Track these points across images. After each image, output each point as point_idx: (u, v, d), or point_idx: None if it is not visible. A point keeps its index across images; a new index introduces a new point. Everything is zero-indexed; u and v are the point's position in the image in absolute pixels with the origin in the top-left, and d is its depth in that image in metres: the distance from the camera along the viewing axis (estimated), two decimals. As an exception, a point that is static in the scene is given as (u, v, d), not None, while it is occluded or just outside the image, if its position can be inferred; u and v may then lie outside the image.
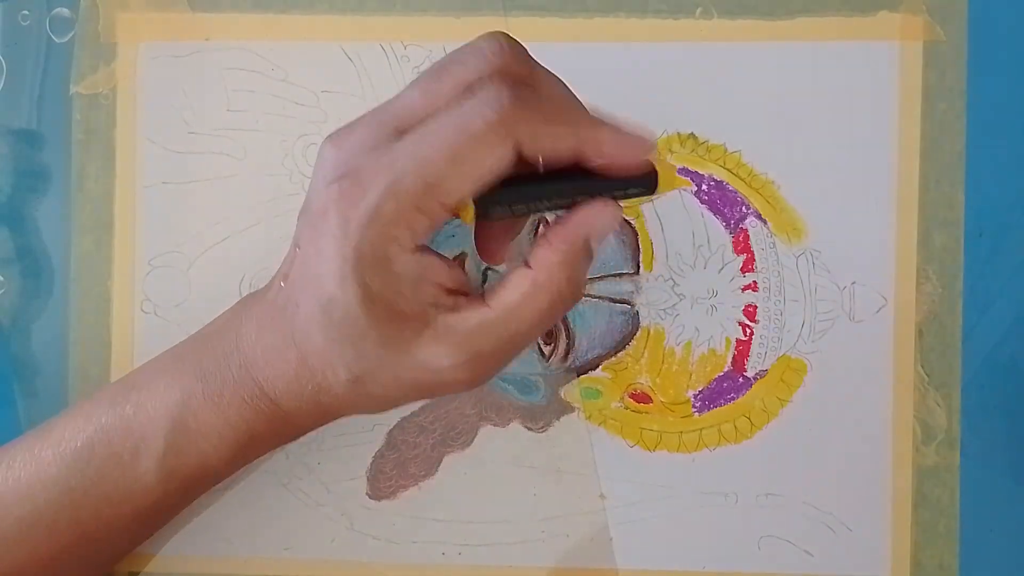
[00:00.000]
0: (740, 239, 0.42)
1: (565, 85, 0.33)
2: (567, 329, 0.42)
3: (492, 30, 0.32)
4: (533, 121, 0.30)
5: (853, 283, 0.42)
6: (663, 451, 0.42)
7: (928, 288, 0.42)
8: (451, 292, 0.32)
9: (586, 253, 0.32)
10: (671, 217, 0.42)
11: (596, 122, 0.31)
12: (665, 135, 0.42)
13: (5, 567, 0.34)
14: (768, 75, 0.42)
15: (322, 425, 0.36)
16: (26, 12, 0.44)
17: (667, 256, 0.42)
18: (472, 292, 0.33)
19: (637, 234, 0.42)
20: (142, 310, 0.43)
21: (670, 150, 0.42)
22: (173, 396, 0.34)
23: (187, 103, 0.43)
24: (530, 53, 0.32)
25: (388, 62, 0.43)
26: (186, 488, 0.36)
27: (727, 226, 0.42)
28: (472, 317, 0.31)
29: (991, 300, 0.42)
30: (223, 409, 0.34)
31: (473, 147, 0.29)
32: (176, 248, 0.43)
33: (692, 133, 0.42)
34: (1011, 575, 0.42)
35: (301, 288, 0.32)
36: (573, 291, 0.32)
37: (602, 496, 0.42)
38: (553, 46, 0.42)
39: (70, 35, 0.44)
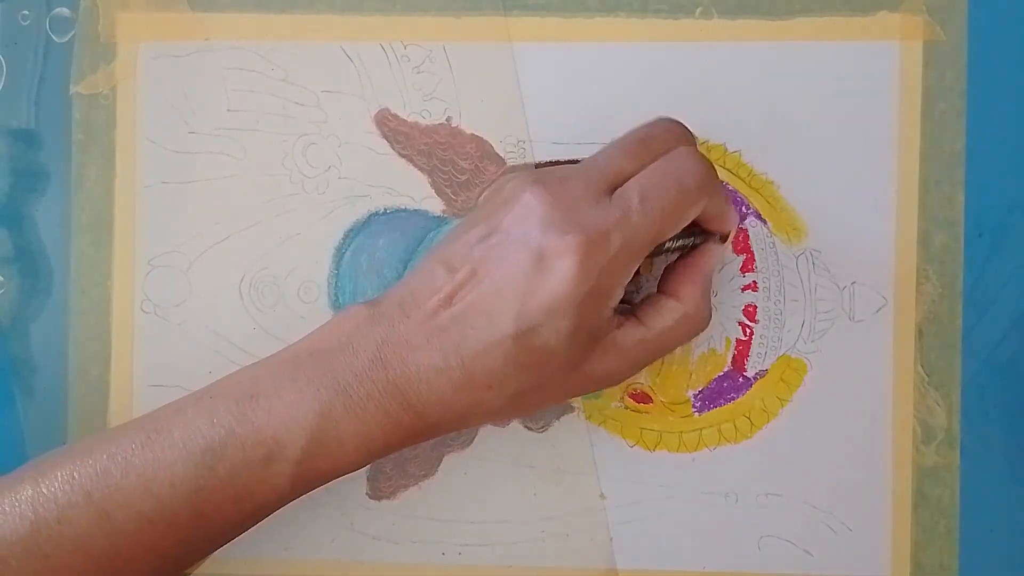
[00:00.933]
0: (740, 239, 0.42)
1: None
2: None
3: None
4: (716, 188, 0.37)
5: (853, 283, 0.42)
6: (663, 451, 0.42)
7: (928, 288, 0.42)
8: (620, 314, 0.37)
9: (710, 286, 0.39)
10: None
11: (728, 198, 0.39)
12: (665, 135, 0.42)
13: (122, 561, 0.35)
14: (768, 75, 0.42)
15: (459, 430, 0.41)
16: (26, 12, 0.44)
17: (667, 256, 0.42)
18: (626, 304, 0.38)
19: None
20: (142, 310, 0.43)
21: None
22: (311, 407, 0.35)
23: (187, 103, 0.43)
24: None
25: (388, 62, 0.43)
26: (312, 487, 0.37)
27: (727, 226, 0.42)
28: (635, 334, 0.37)
29: (991, 300, 0.42)
30: (365, 422, 0.35)
31: (687, 206, 0.36)
32: (176, 248, 0.43)
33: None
34: (1011, 575, 0.42)
35: (482, 312, 0.35)
36: (708, 317, 0.38)
37: (602, 496, 0.42)
38: (553, 46, 0.42)
39: (70, 35, 0.44)
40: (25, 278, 0.44)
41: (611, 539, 0.42)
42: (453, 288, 0.35)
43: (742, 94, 0.42)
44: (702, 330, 0.38)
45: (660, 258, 0.41)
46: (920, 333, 0.42)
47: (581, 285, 0.34)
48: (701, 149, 0.42)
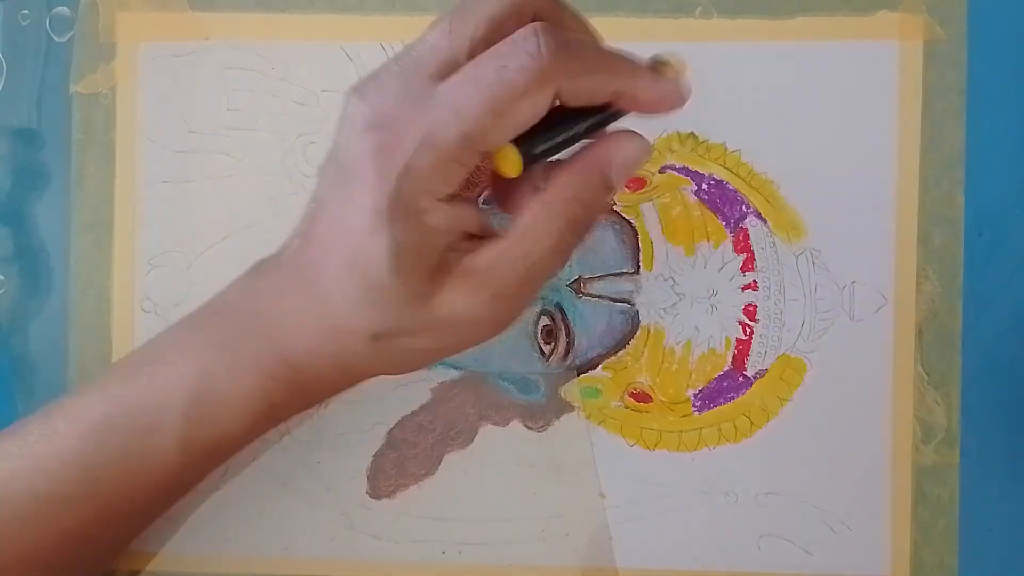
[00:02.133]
0: (740, 238, 0.42)
1: (591, 26, 0.32)
2: (567, 328, 0.42)
3: None
4: (573, 70, 0.29)
5: (853, 282, 0.42)
6: (663, 450, 0.42)
7: (928, 287, 0.42)
8: (473, 237, 0.31)
9: (604, 183, 0.31)
10: (671, 216, 0.42)
11: (634, 70, 0.31)
12: (665, 134, 0.42)
13: (24, 543, 0.34)
14: (768, 74, 0.42)
15: (343, 390, 0.35)
16: (26, 11, 0.44)
17: (667, 255, 0.42)
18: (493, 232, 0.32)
19: (637, 233, 0.42)
20: (142, 309, 0.43)
21: (670, 149, 0.42)
22: (190, 368, 0.34)
23: (187, 102, 0.43)
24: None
25: (388, 61, 0.43)
26: (205, 460, 0.35)
27: (727, 225, 0.42)
28: (488, 252, 0.31)
29: (991, 299, 0.42)
30: (241, 380, 0.33)
31: (514, 98, 0.29)
32: (176, 247, 0.43)
33: (692, 132, 0.42)
34: (1011, 574, 0.42)
35: (324, 245, 0.31)
36: (587, 214, 0.31)
37: (602, 495, 0.42)
38: (553, 45, 0.42)
39: (70, 34, 0.44)
40: (25, 277, 0.44)
41: (611, 538, 0.42)
42: (305, 223, 0.33)
43: (742, 93, 0.42)
44: (581, 227, 0.31)
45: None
46: (920, 332, 0.42)
47: (379, 192, 0.29)
48: (700, 148, 0.42)
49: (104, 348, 0.43)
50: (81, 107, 0.43)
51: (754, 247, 0.42)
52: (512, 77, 0.28)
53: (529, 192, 0.31)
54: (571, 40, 0.30)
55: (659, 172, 0.42)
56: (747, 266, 0.42)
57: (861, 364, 0.42)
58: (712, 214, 0.42)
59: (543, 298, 0.42)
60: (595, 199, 0.31)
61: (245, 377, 0.33)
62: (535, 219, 0.31)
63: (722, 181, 0.42)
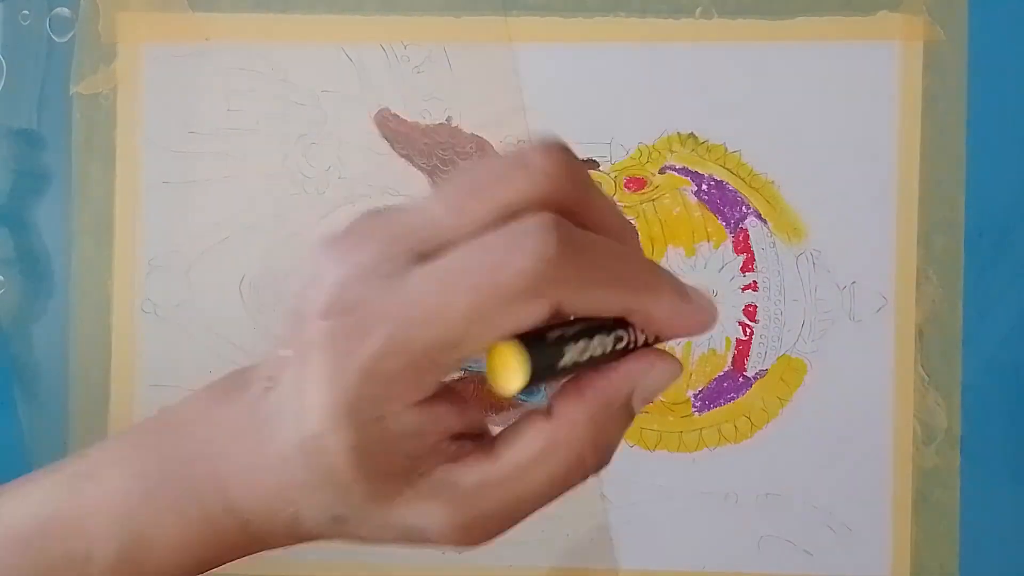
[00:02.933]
0: (740, 239, 0.42)
1: (621, 215, 0.28)
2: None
3: (548, 137, 0.26)
4: (579, 281, 0.25)
5: (853, 283, 0.42)
6: (663, 451, 0.42)
7: (928, 288, 0.42)
8: (457, 437, 0.27)
9: (625, 413, 0.27)
10: (671, 217, 0.42)
11: (654, 286, 0.26)
12: (665, 135, 0.42)
13: None
14: (768, 75, 0.42)
15: (296, 544, 0.31)
16: (26, 12, 0.44)
17: (667, 256, 0.42)
18: (486, 432, 0.28)
19: (637, 234, 0.42)
20: (142, 310, 0.43)
21: (671, 150, 0.42)
22: (130, 497, 0.29)
23: (187, 103, 0.43)
24: (587, 172, 0.26)
25: (388, 62, 0.43)
26: None
27: (727, 226, 0.42)
28: (473, 473, 0.26)
29: (991, 301, 0.42)
30: (184, 522, 0.29)
31: (501, 304, 0.24)
32: (176, 248, 0.43)
33: (692, 133, 0.42)
34: (1011, 574, 0.42)
35: (285, 408, 0.27)
36: (599, 458, 0.27)
37: (602, 496, 0.42)
38: (553, 46, 0.42)
39: (70, 35, 0.44)
40: (26, 279, 0.44)
41: (611, 539, 0.42)
42: (273, 367, 0.28)
43: (742, 94, 0.42)
44: (587, 472, 0.27)
45: None
46: (920, 333, 0.42)
47: (336, 389, 0.25)
48: (700, 149, 0.42)
49: (105, 349, 0.43)
50: (82, 108, 0.43)
51: (754, 248, 0.42)
52: (505, 281, 0.24)
53: (533, 411, 0.27)
54: (586, 243, 0.25)
55: (659, 173, 0.42)
56: (747, 267, 0.42)
57: (862, 365, 0.42)
58: (712, 215, 0.42)
59: None
60: (610, 436, 0.27)
61: (188, 520, 0.29)
62: (535, 456, 0.26)
63: (722, 182, 0.42)
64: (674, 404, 0.42)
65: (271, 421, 0.27)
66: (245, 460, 0.28)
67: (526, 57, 0.43)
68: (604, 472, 0.40)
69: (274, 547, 0.31)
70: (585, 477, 0.27)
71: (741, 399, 0.42)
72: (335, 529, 0.28)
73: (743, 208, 0.42)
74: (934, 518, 0.42)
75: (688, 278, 0.42)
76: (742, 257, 0.42)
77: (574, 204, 0.26)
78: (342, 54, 0.43)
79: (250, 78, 0.43)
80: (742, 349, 0.42)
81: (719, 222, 0.42)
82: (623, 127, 0.42)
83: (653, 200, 0.42)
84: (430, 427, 0.26)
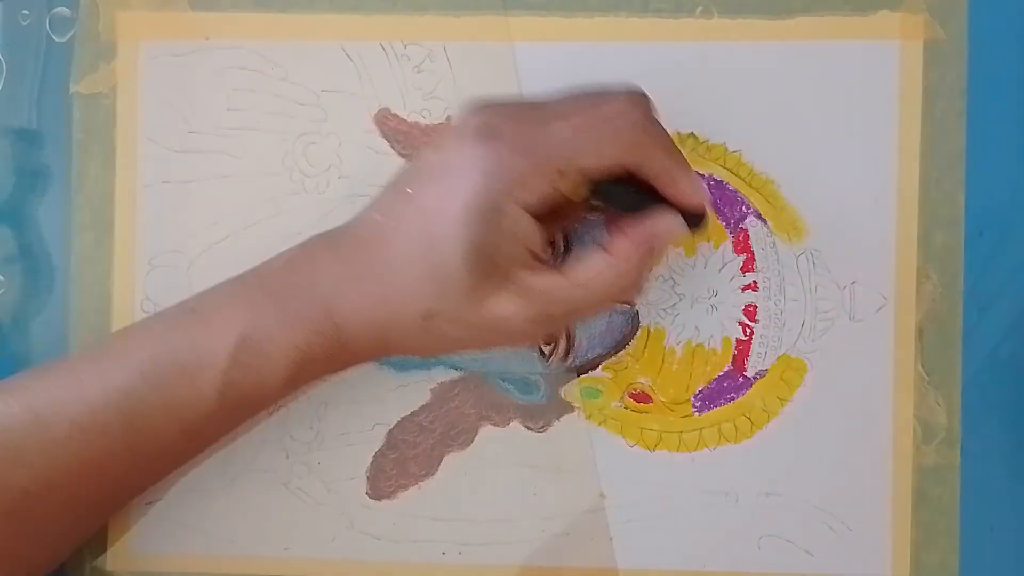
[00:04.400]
0: (740, 239, 0.42)
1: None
2: (567, 329, 0.42)
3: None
4: (655, 141, 0.35)
5: (853, 282, 0.42)
6: (663, 451, 0.42)
7: (928, 287, 0.42)
8: (535, 256, 0.35)
9: (653, 254, 0.37)
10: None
11: (686, 165, 0.36)
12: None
13: (56, 471, 0.35)
14: (768, 74, 0.42)
15: (377, 358, 0.40)
16: (26, 11, 0.44)
17: (667, 256, 0.42)
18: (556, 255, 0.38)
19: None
20: (142, 309, 0.43)
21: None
22: (242, 316, 0.36)
23: (187, 102, 0.43)
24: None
25: (388, 61, 0.43)
26: (240, 406, 0.37)
27: (727, 226, 0.42)
28: (547, 279, 0.35)
29: (991, 299, 0.42)
30: (288, 330, 0.36)
31: (612, 141, 0.35)
32: (176, 247, 0.43)
33: (692, 133, 0.42)
34: (1011, 574, 0.42)
35: (406, 226, 0.35)
36: (637, 282, 0.37)
37: (602, 495, 0.42)
38: (553, 45, 0.43)
39: (70, 34, 0.44)
40: (26, 277, 0.44)
41: (611, 538, 0.42)
42: (385, 202, 0.37)
43: (742, 93, 0.42)
44: (630, 292, 0.37)
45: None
46: (920, 332, 0.42)
47: (478, 190, 0.34)
48: (700, 149, 0.42)
49: (104, 348, 0.43)
50: (81, 107, 0.43)
51: (754, 247, 0.42)
52: (617, 123, 0.35)
53: (593, 245, 0.36)
54: (660, 123, 0.36)
55: (659, 172, 0.42)
56: (747, 266, 0.42)
57: (861, 364, 0.42)
58: (712, 214, 0.42)
59: None
60: (646, 266, 0.37)
61: (294, 331, 0.36)
62: (597, 274, 0.35)
63: (722, 181, 0.42)
64: (674, 404, 0.42)
65: (385, 239, 0.35)
66: (349, 273, 0.36)
67: (526, 56, 0.43)
68: (603, 471, 0.41)
69: (360, 359, 0.38)
70: (628, 297, 0.38)
71: (741, 399, 0.42)
72: (423, 329, 0.36)
73: (743, 208, 0.42)
74: (934, 517, 0.42)
75: (688, 278, 0.42)
76: (742, 257, 0.42)
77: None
78: (342, 53, 0.43)
79: (250, 77, 0.43)
80: (742, 349, 0.42)
81: (719, 222, 0.42)
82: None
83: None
84: (527, 235, 0.35)
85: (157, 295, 0.43)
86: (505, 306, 0.35)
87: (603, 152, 0.34)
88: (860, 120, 0.42)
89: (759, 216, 0.42)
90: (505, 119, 0.35)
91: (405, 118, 0.43)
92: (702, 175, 0.42)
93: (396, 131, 0.43)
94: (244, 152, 0.43)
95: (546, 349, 0.43)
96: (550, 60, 0.43)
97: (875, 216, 0.42)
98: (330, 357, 0.37)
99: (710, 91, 0.42)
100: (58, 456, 0.35)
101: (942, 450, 0.42)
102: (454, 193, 0.34)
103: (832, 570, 0.42)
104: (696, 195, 0.37)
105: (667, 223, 0.36)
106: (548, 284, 0.35)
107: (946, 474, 0.42)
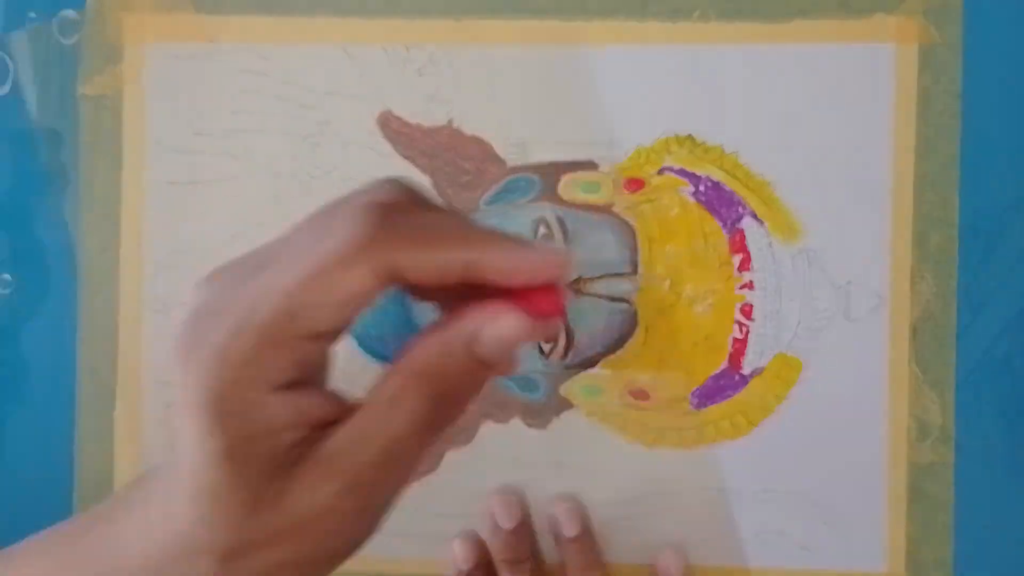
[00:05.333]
0: (737, 239, 0.42)
1: (461, 216, 0.29)
2: (566, 327, 0.43)
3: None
4: (403, 242, 0.26)
5: (849, 282, 0.42)
6: (662, 448, 0.43)
7: (923, 287, 0.42)
8: (326, 426, 0.27)
9: (470, 361, 0.28)
10: (669, 217, 0.43)
11: (486, 240, 0.27)
12: (663, 136, 0.42)
13: None
14: (765, 77, 0.42)
15: None
16: (33, 14, 0.44)
17: (665, 256, 0.42)
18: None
19: (635, 234, 0.43)
20: (150, 309, 0.43)
21: (668, 151, 0.42)
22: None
23: (193, 104, 0.44)
24: (424, 195, 0.29)
25: (391, 64, 0.43)
26: None
27: (724, 226, 0.42)
28: (340, 434, 0.27)
29: (985, 299, 0.42)
30: None
31: (329, 271, 0.26)
32: (183, 248, 0.43)
33: (690, 134, 0.42)
34: (1006, 570, 0.42)
35: (173, 457, 0.28)
36: (454, 389, 0.28)
37: (602, 493, 0.43)
38: (552, 48, 0.43)
39: (77, 37, 0.44)
40: (34, 278, 0.44)
41: (612, 535, 0.43)
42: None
43: (739, 96, 0.42)
44: (440, 418, 0.28)
45: None
46: (915, 331, 0.42)
47: (197, 387, 0.26)
48: (698, 150, 0.42)
49: (111, 349, 0.43)
50: (88, 109, 0.44)
51: (751, 247, 0.42)
52: (331, 247, 0.26)
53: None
54: (405, 218, 0.27)
55: (657, 174, 0.42)
56: (744, 266, 0.42)
57: (857, 363, 0.42)
58: (709, 215, 0.42)
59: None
60: (461, 372, 0.27)
61: None
62: (389, 391, 0.27)
63: (719, 182, 0.42)
64: (673, 402, 0.43)
65: (165, 477, 0.28)
66: (138, 530, 0.28)
67: (527, 59, 0.43)
68: (604, 469, 0.41)
69: None
70: (455, 412, 0.28)
71: (738, 396, 0.42)
72: (229, 573, 0.27)
73: (740, 208, 0.42)
74: (929, 513, 0.42)
75: (685, 277, 0.42)
76: (739, 257, 0.42)
77: (398, 206, 0.27)
78: (345, 56, 0.43)
79: (255, 79, 0.44)
80: (739, 347, 0.42)
81: (716, 222, 0.42)
82: (621, 129, 0.42)
83: (651, 201, 0.43)
84: (297, 415, 0.26)
85: (164, 296, 0.43)
86: (302, 497, 0.26)
87: (326, 297, 0.26)
88: (856, 122, 0.42)
89: (755, 217, 0.42)
90: (225, 284, 0.27)
91: (407, 121, 0.43)
92: (698, 176, 0.43)
93: (399, 133, 0.43)
94: (249, 154, 0.43)
95: (545, 347, 0.43)
96: (550, 63, 0.43)
97: (870, 216, 0.42)
98: None
99: (707, 93, 0.42)
100: None
101: (937, 447, 0.42)
102: (181, 404, 0.26)
103: (828, 566, 0.42)
104: (526, 268, 0.27)
105: (489, 314, 0.27)
106: (342, 441, 0.27)
107: (940, 471, 0.42)
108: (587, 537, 0.42)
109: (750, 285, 0.42)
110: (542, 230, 0.42)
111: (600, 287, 0.43)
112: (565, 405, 0.43)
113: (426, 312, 0.42)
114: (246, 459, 0.26)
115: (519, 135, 0.43)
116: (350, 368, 0.41)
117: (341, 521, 0.27)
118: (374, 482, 0.27)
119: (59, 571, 0.29)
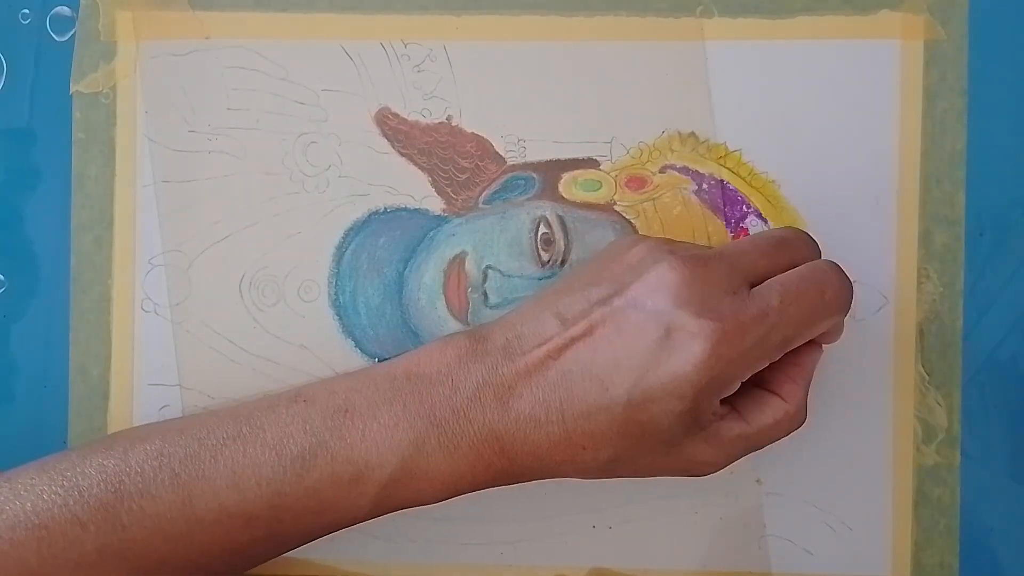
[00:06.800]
0: (739, 238, 0.42)
1: None
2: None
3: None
4: (848, 306, 0.37)
5: (854, 282, 0.41)
6: (663, 450, 0.42)
7: (929, 287, 0.42)
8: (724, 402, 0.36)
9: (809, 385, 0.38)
10: (672, 216, 0.42)
11: (840, 327, 0.39)
12: (665, 134, 0.42)
13: (197, 548, 0.35)
14: (769, 74, 0.42)
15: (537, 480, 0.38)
16: (26, 10, 0.44)
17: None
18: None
19: (637, 233, 0.42)
20: (142, 309, 0.43)
21: (671, 149, 0.42)
22: (404, 435, 0.35)
23: (187, 102, 0.43)
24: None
25: (388, 60, 0.43)
26: (388, 512, 0.37)
27: (728, 225, 0.42)
28: (735, 428, 0.36)
29: (992, 299, 0.42)
30: (456, 459, 0.35)
31: (824, 317, 0.36)
32: (176, 247, 0.43)
33: (693, 132, 0.42)
34: (1011, 574, 0.42)
35: (593, 375, 0.34)
36: (805, 416, 0.38)
37: (602, 494, 0.42)
38: (554, 44, 0.42)
39: (70, 34, 0.44)
40: (25, 277, 0.44)
41: (613, 538, 0.42)
42: (564, 342, 0.35)
43: (743, 93, 0.42)
44: (798, 428, 0.38)
45: None
46: (921, 332, 0.42)
47: (706, 372, 0.34)
48: (701, 148, 0.42)
49: (104, 348, 0.43)
50: (81, 106, 0.43)
51: (755, 247, 0.42)
52: (830, 310, 0.36)
53: (773, 400, 0.37)
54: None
55: (660, 172, 0.42)
56: (748, 266, 0.42)
57: (862, 364, 0.42)
58: (713, 214, 0.42)
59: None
60: (805, 403, 0.38)
61: (459, 458, 0.35)
62: (775, 423, 0.37)
63: (723, 181, 0.42)
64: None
65: (566, 382, 0.35)
66: (528, 414, 0.35)
67: (527, 56, 0.43)
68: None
69: (532, 479, 0.37)
70: (792, 432, 0.38)
71: (741, 398, 0.42)
72: (603, 469, 0.36)
73: (743, 207, 0.42)
74: (934, 516, 0.42)
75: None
76: (742, 256, 0.42)
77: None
78: (342, 52, 0.43)
79: (250, 76, 0.43)
80: (742, 348, 0.42)
81: (719, 221, 0.42)
82: (623, 126, 0.42)
83: (654, 199, 0.42)
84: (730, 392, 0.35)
85: (157, 295, 0.43)
86: (699, 453, 0.36)
87: (815, 330, 0.36)
88: (860, 120, 0.42)
89: (760, 215, 0.42)
90: (716, 289, 0.35)
91: (405, 117, 0.43)
92: (702, 175, 0.42)
93: (396, 130, 0.43)
94: (244, 151, 0.43)
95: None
96: (552, 59, 0.43)
97: (875, 216, 0.42)
98: (492, 480, 0.36)
99: (711, 90, 0.42)
100: (199, 533, 0.35)
101: (942, 450, 0.42)
102: (678, 365, 0.34)
103: (832, 570, 0.42)
104: (840, 334, 0.39)
105: (816, 356, 0.38)
106: (735, 432, 0.36)
107: (946, 474, 0.42)
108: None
109: (754, 285, 0.42)
110: (542, 229, 0.42)
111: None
112: (565, 407, 0.43)
113: (423, 312, 0.42)
114: (693, 420, 0.35)
115: (519, 132, 0.42)
116: (350, 368, 0.41)
117: (698, 471, 0.37)
118: (731, 460, 0.37)
119: (426, 422, 0.35)
